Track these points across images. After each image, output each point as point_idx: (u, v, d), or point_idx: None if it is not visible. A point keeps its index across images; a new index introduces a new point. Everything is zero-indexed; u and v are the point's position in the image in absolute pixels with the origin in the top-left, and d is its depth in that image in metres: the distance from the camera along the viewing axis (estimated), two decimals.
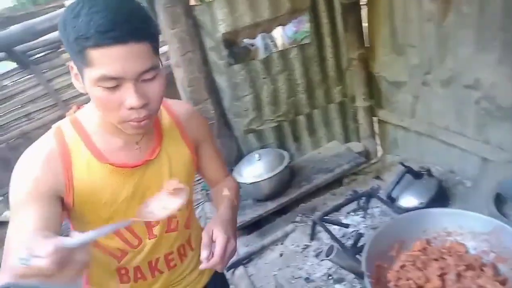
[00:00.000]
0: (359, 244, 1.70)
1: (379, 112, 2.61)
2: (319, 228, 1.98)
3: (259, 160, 2.25)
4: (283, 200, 2.28)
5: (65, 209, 0.93)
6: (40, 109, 4.97)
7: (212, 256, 0.88)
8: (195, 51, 2.12)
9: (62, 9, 3.77)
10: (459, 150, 2.05)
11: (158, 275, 1.11)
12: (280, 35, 2.67)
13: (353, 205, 2.10)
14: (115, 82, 0.76)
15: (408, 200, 1.88)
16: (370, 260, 1.15)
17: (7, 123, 4.87)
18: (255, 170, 2.24)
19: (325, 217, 2.00)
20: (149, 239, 1.04)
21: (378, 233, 1.25)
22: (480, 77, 1.77)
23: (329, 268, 1.75)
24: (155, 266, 1.09)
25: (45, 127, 1.45)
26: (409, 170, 1.96)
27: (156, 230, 1.04)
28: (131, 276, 1.08)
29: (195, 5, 2.13)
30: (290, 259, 1.92)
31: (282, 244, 2.06)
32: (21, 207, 0.84)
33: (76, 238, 0.59)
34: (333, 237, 1.82)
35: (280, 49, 2.49)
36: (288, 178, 2.37)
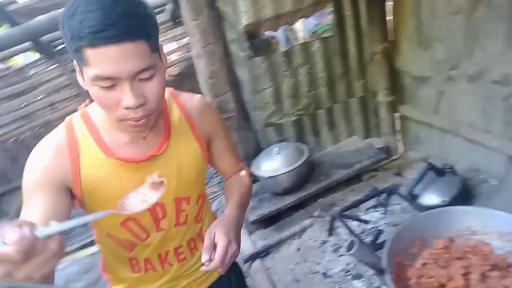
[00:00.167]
0: (379, 240, 1.68)
1: (401, 107, 2.55)
2: (337, 223, 1.96)
3: (278, 153, 2.24)
4: (301, 194, 2.26)
5: (77, 200, 0.95)
6: (64, 99, 5.06)
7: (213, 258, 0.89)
8: (217, 43, 2.12)
9: None
10: (485, 147, 1.99)
11: (168, 268, 1.12)
12: (300, 28, 2.64)
13: (373, 202, 2.07)
14: (110, 82, 0.76)
15: (430, 198, 1.84)
16: (391, 257, 1.14)
17: (32, 112, 4.99)
18: (274, 163, 2.23)
19: (344, 213, 1.98)
20: (157, 232, 1.05)
21: (400, 230, 1.23)
22: (509, 72, 1.71)
23: (347, 264, 1.73)
24: (164, 258, 1.10)
25: None
26: (431, 167, 1.92)
27: (164, 223, 1.04)
28: (142, 267, 1.10)
29: None
30: (307, 254, 1.91)
31: (299, 238, 2.05)
32: (31, 195, 0.86)
33: (50, 227, 0.58)
34: (352, 233, 1.80)
35: (301, 42, 2.47)
36: (307, 172, 2.35)
